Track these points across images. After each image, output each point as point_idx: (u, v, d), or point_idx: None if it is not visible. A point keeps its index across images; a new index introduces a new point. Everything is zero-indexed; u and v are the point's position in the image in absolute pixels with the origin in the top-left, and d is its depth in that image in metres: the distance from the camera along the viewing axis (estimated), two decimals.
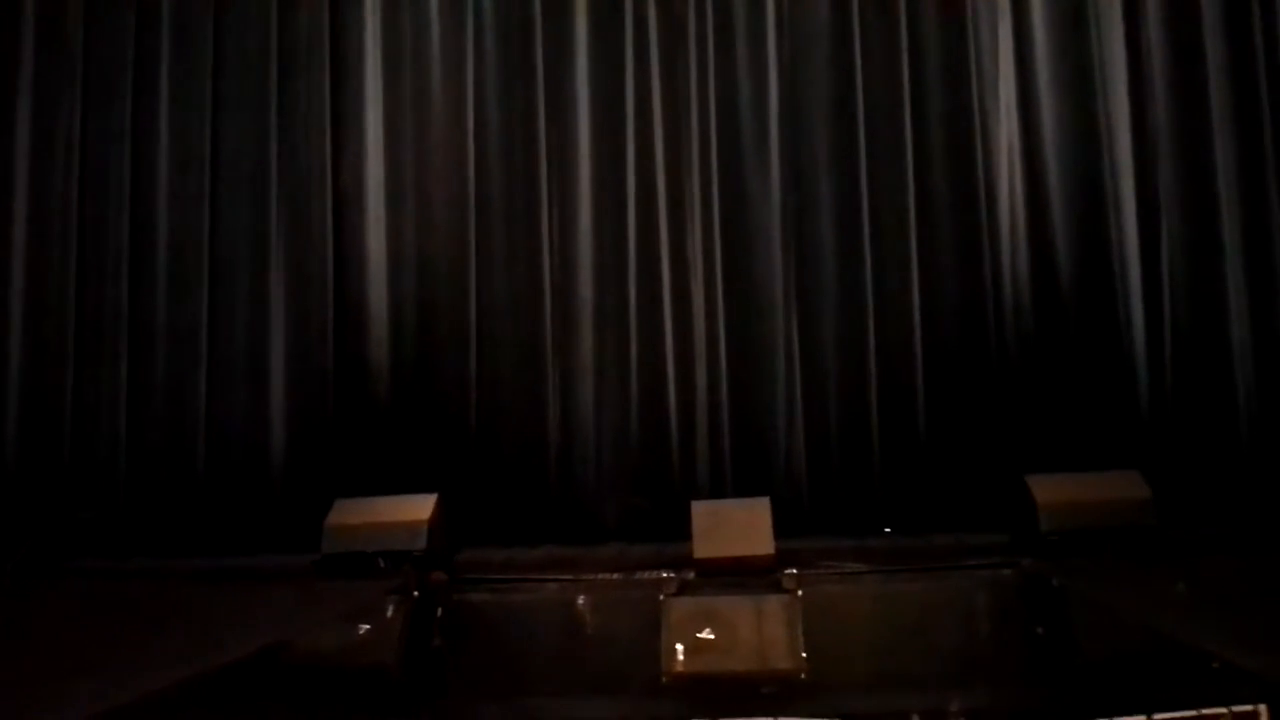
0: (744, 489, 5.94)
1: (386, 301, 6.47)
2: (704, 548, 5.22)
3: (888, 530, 5.87)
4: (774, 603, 4.83)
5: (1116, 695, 4.73)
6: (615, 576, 5.35)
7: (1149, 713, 4.80)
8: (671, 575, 5.18)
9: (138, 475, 6.35)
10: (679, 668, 4.72)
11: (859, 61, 6.39)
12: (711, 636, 4.75)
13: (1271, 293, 6.10)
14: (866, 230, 6.29)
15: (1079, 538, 5.10)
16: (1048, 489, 5.28)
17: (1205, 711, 4.65)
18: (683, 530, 5.33)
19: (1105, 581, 4.84)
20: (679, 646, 4.74)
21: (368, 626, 4.93)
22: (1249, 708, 4.67)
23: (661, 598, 4.90)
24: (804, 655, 4.69)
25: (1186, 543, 5.12)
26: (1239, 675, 4.22)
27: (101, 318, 6.51)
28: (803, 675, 4.69)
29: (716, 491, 6.06)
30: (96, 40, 6.69)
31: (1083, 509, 5.17)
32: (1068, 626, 4.74)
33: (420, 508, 5.48)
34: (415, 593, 5.09)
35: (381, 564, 5.33)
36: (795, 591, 4.89)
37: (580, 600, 5.16)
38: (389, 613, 4.97)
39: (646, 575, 5.30)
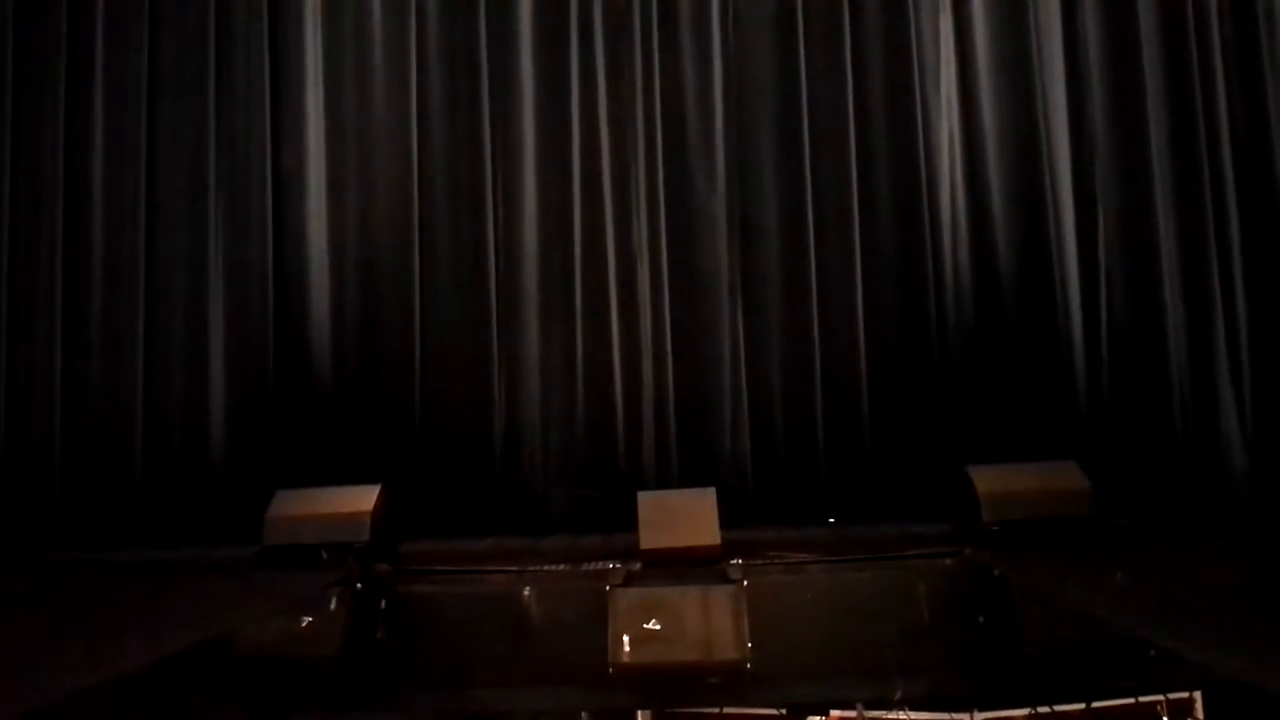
0: (690, 479, 5.94)
1: (328, 290, 6.37)
2: (650, 538, 5.20)
3: (832, 520, 5.91)
4: (720, 593, 4.84)
5: (1056, 683, 4.83)
6: (561, 567, 5.32)
7: (1088, 700, 4.91)
8: (618, 566, 5.16)
9: (73, 465, 6.22)
10: (626, 658, 4.71)
11: (803, 50, 6.41)
12: (658, 627, 4.75)
13: (1206, 284, 6.21)
14: (811, 220, 6.30)
15: (1020, 528, 5.15)
16: (989, 479, 5.32)
17: (1142, 699, 4.76)
18: (629, 521, 5.30)
19: (1045, 571, 4.91)
20: (626, 637, 4.73)
21: (310, 619, 4.87)
22: (1185, 695, 4.79)
23: (608, 588, 4.89)
24: (750, 645, 4.71)
25: (1124, 532, 5.21)
26: (1175, 663, 4.32)
27: (35, 305, 6.36)
28: (748, 665, 4.71)
29: (663, 482, 6.05)
30: (27, 20, 6.51)
31: (1023, 499, 5.22)
32: (1009, 615, 4.79)
33: (363, 499, 5.41)
34: (359, 585, 5.04)
35: (324, 556, 5.25)
36: (741, 581, 4.90)
37: (526, 591, 5.14)
38: (332, 605, 4.91)
39: (593, 566, 5.27)
